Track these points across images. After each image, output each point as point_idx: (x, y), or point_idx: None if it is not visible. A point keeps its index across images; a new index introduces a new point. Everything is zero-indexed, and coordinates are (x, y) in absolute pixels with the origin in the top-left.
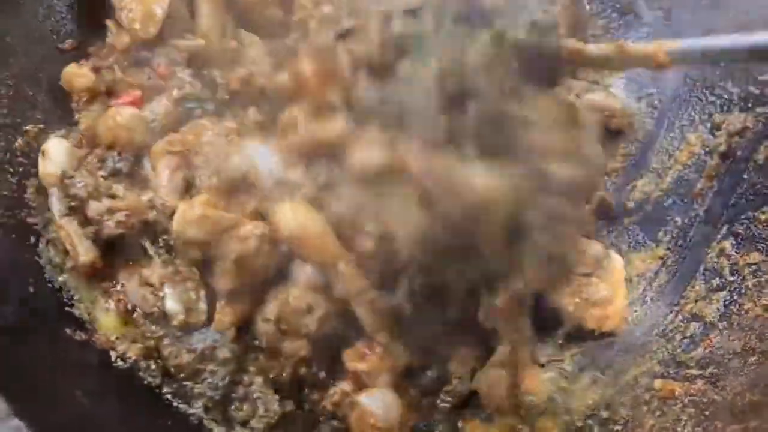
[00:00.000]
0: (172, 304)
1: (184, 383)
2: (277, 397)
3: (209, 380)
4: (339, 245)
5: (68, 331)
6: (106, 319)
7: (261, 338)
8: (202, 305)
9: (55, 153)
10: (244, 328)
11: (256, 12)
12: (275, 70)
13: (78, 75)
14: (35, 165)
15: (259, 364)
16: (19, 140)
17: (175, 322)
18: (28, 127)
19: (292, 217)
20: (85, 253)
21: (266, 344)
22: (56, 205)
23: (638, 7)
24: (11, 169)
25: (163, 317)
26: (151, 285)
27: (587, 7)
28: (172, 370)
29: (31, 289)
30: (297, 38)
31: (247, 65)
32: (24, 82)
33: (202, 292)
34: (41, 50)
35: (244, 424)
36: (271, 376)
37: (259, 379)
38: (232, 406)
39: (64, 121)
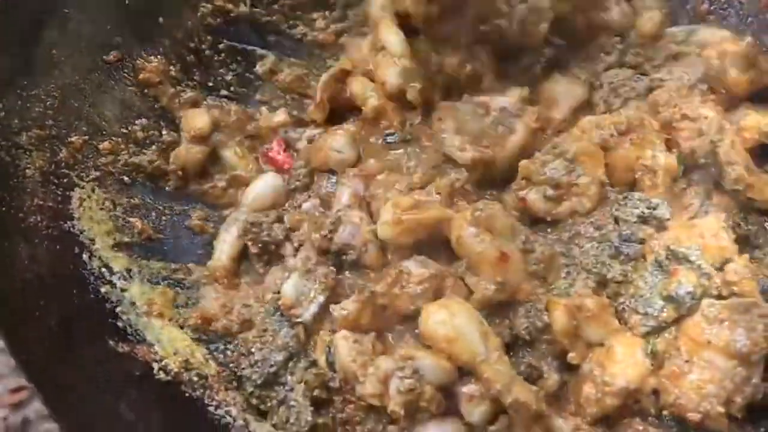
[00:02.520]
0: (289, 288)
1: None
2: (311, 408)
3: (258, 364)
4: (479, 344)
5: (111, 342)
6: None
7: (339, 373)
8: (313, 308)
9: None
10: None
11: None
12: None
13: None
14: (80, 176)
15: (305, 374)
16: (64, 151)
17: (280, 302)
18: (72, 139)
19: (441, 322)
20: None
21: (341, 379)
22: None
23: None
24: (56, 180)
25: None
26: (286, 268)
27: None
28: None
29: (75, 300)
30: None
31: None
32: (69, 93)
33: (321, 297)
34: (86, 62)
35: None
36: (314, 393)
37: (300, 387)
38: (268, 404)
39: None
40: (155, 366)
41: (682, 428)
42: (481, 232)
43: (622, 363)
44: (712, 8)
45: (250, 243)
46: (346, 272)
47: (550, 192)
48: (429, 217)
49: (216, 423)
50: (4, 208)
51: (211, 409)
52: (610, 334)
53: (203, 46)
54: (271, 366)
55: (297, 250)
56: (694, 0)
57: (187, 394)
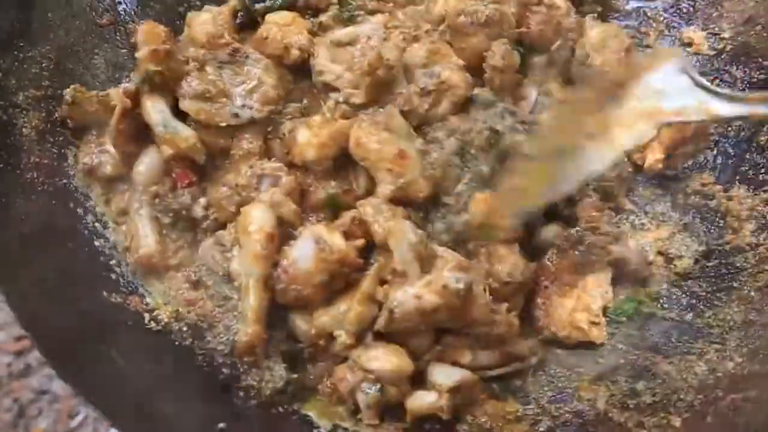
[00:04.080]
0: (237, 266)
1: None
2: (284, 366)
3: (221, 334)
4: None
5: (104, 293)
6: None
7: (305, 341)
8: None
9: None
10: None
11: None
12: None
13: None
14: (75, 135)
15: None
16: (59, 111)
17: (236, 284)
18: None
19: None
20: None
21: (307, 344)
22: None
23: None
24: (51, 138)
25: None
26: (223, 245)
27: None
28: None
29: (70, 254)
30: None
31: None
32: (64, 55)
33: None
34: (80, 25)
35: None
36: (282, 348)
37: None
38: (241, 369)
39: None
40: (146, 316)
41: None
42: (380, 131)
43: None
44: None
45: (160, 215)
46: None
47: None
48: (342, 127)
49: (205, 370)
50: (1, 165)
51: (200, 357)
52: None
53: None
54: (236, 333)
55: (207, 208)
56: None
57: (176, 343)
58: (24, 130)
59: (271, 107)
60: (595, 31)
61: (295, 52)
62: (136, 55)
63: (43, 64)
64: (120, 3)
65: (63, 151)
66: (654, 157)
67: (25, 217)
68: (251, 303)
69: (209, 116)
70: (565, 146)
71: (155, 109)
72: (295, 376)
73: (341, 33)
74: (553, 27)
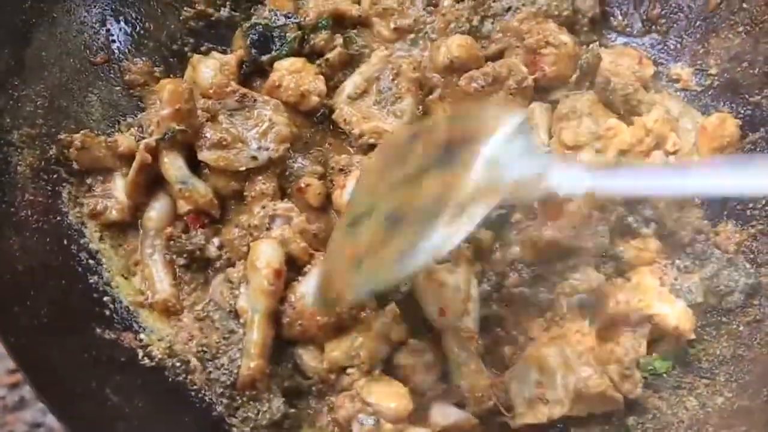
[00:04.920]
0: (243, 303)
1: (207, 368)
2: (283, 399)
3: (225, 366)
4: None
5: (98, 330)
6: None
7: (313, 376)
8: None
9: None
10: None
11: None
12: None
13: None
14: (69, 172)
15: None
16: (53, 149)
17: (242, 320)
18: (61, 136)
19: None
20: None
21: (318, 379)
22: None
23: None
24: (45, 176)
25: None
26: (231, 282)
27: None
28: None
29: (64, 290)
30: None
31: None
32: (58, 93)
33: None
34: (74, 63)
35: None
36: (285, 384)
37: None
38: (238, 401)
39: (96, 130)
40: (140, 352)
41: None
42: None
43: None
44: (662, 12)
45: (175, 257)
46: None
47: None
48: None
49: (197, 406)
50: None
51: (193, 393)
52: None
53: (185, 49)
54: (239, 366)
55: (220, 248)
56: (647, 4)
57: (170, 380)
58: (18, 168)
59: (287, 145)
60: (605, 55)
61: (314, 99)
62: (160, 113)
63: (38, 103)
64: (114, 41)
65: (57, 188)
66: None
67: (19, 254)
68: (254, 338)
69: (229, 163)
70: (397, 210)
71: (174, 166)
72: (293, 410)
73: (352, 85)
74: (566, 62)
